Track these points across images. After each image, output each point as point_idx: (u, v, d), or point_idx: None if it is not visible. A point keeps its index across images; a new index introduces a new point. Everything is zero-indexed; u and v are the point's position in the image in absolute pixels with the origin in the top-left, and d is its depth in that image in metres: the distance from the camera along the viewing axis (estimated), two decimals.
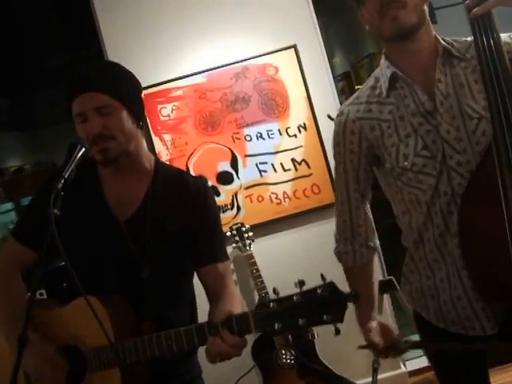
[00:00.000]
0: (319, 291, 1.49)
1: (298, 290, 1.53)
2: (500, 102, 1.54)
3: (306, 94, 3.61)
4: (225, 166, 3.65)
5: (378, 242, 2.04)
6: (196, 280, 1.97)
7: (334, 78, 3.87)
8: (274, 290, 1.56)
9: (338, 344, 3.60)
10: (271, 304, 1.53)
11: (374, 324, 1.95)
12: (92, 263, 1.87)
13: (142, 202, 1.90)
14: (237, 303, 1.86)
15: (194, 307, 2.03)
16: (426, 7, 1.79)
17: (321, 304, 1.47)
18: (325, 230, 3.68)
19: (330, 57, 5.12)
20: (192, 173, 3.61)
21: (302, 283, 1.51)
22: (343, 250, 2.01)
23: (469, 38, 1.85)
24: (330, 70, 3.74)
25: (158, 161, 1.99)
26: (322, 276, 1.53)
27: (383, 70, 1.88)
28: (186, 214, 1.90)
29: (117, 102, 1.81)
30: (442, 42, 1.83)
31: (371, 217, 2.03)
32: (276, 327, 1.52)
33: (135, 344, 1.72)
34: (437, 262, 1.86)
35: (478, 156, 1.74)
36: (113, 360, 1.73)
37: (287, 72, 3.63)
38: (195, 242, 1.90)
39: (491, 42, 1.59)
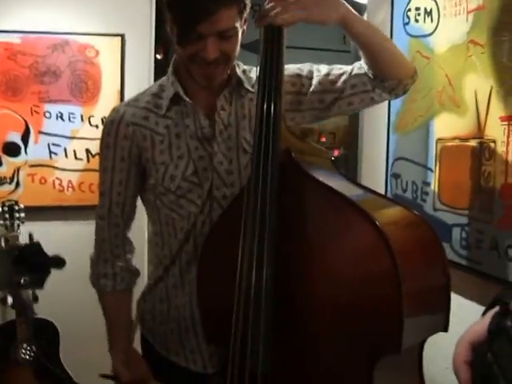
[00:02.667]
0: (21, 251, 1.30)
1: None
2: (263, 141, 1.44)
3: (119, 88, 3.40)
4: (15, 137, 3.34)
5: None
6: None
7: None
8: None
9: (84, 350, 3.42)
10: None
11: (125, 355, 1.80)
12: None
13: None
14: None
15: None
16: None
17: (19, 264, 1.29)
18: None
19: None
20: None
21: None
22: (102, 272, 1.81)
23: None
24: (153, 69, 3.57)
25: None
26: (31, 236, 1.37)
27: (168, 84, 1.75)
28: None
29: None
30: (238, 72, 1.74)
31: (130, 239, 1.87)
32: None
33: None
34: (175, 288, 1.78)
35: None
36: None
37: (107, 59, 3.40)
38: None
39: (273, 75, 1.45)
